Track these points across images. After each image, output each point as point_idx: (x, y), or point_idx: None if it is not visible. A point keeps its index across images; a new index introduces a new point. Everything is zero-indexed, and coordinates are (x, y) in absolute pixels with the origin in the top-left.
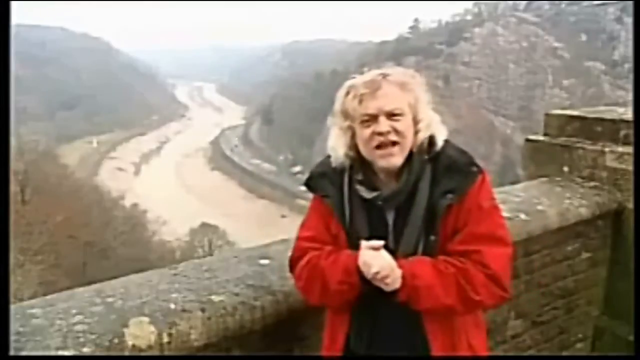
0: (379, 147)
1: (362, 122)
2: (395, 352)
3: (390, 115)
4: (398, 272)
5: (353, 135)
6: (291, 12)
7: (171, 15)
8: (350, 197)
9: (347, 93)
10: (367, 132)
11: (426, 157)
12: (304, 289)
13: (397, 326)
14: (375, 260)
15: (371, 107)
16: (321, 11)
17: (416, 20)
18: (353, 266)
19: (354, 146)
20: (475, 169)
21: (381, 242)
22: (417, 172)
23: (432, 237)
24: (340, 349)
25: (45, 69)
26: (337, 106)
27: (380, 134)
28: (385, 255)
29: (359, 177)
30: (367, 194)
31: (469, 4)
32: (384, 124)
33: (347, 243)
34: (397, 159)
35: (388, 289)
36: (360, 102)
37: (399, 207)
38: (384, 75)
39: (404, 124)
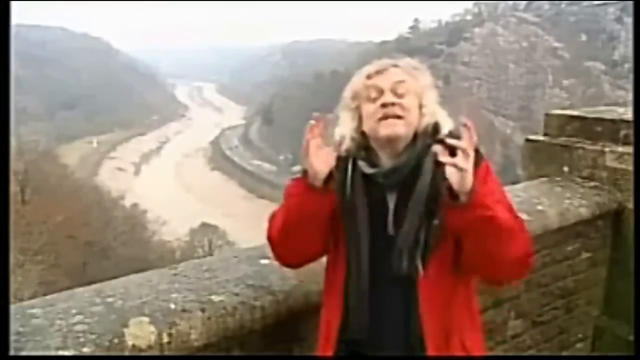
0: (382, 119)
1: (369, 99)
2: (390, 349)
3: (396, 92)
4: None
5: (360, 119)
6: (291, 12)
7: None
8: (353, 179)
9: (357, 76)
10: (373, 105)
11: (430, 141)
12: (270, 224)
13: (392, 314)
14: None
15: (378, 82)
16: (321, 11)
17: (416, 20)
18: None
19: (360, 131)
20: (479, 154)
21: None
22: (420, 152)
23: (435, 222)
24: (333, 347)
25: (45, 69)
26: (347, 91)
27: (384, 105)
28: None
29: (362, 154)
30: (368, 169)
31: (469, 4)
32: (389, 96)
33: (345, 227)
34: (400, 128)
35: (466, 179)
36: (369, 78)
37: (401, 191)
38: (393, 63)
39: (409, 102)
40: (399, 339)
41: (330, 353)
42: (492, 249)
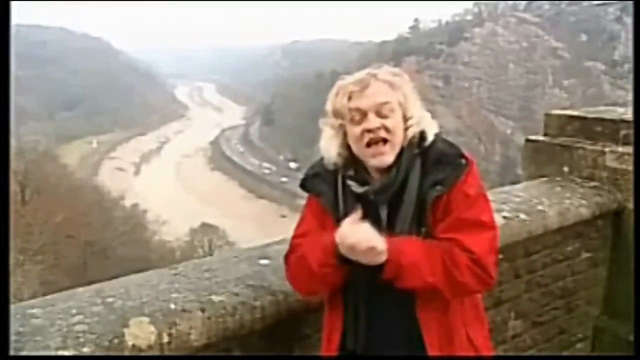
0: (369, 144)
1: (352, 119)
2: (391, 348)
3: (380, 113)
4: (382, 246)
5: (344, 135)
6: (291, 12)
7: (171, 15)
8: (344, 194)
9: (337, 93)
10: (358, 129)
11: (416, 151)
12: (291, 278)
13: (392, 322)
14: (353, 232)
15: (361, 104)
16: (321, 11)
17: (416, 20)
18: (330, 244)
19: (345, 145)
20: (463, 161)
21: (358, 213)
22: (407, 166)
23: (423, 229)
24: (336, 348)
25: (45, 69)
26: (328, 106)
27: (370, 130)
28: (366, 227)
29: (351, 172)
30: (359, 189)
31: (469, 4)
32: (373, 121)
33: None
34: (387, 157)
35: (371, 262)
36: (350, 99)
37: (391, 202)
38: (373, 75)
39: (394, 121)
40: (399, 347)
41: (334, 352)
42: (432, 294)
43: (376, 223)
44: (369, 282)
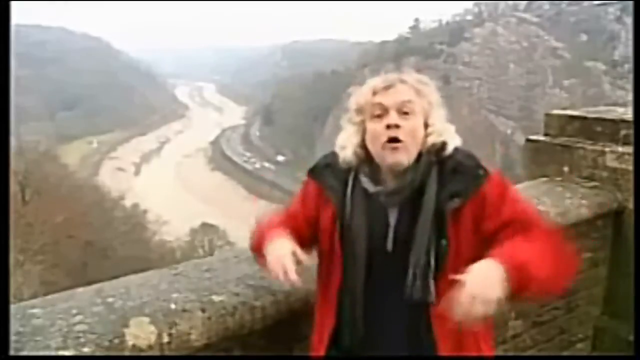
0: (387, 142)
1: (373, 115)
2: (390, 348)
3: (402, 111)
4: (497, 272)
5: (363, 133)
6: (291, 12)
7: (171, 15)
8: (353, 193)
9: (363, 90)
10: (378, 126)
11: (434, 159)
12: (252, 240)
13: (390, 322)
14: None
15: (384, 100)
16: (321, 11)
17: (416, 20)
18: (267, 243)
19: (363, 145)
20: (481, 171)
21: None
22: (423, 172)
23: (443, 241)
24: (325, 349)
25: (45, 69)
26: (352, 103)
27: (389, 126)
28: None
29: (365, 169)
30: (371, 187)
31: (469, 4)
32: (394, 117)
33: (341, 239)
34: (403, 156)
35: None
36: (374, 94)
37: (403, 209)
38: (401, 79)
39: (414, 123)
40: (407, 343)
41: (322, 353)
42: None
43: (383, 228)
44: (367, 291)
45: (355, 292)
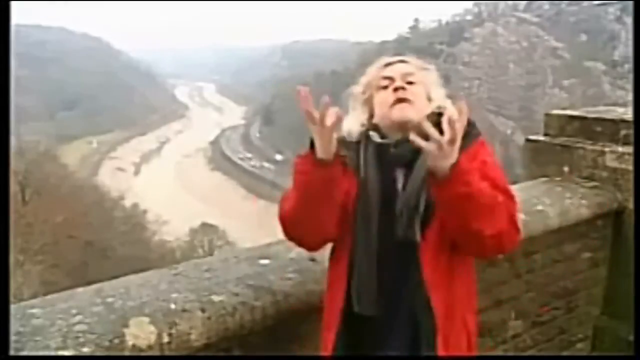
0: (394, 103)
1: (380, 87)
2: (396, 318)
3: (406, 79)
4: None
5: (371, 112)
6: (291, 12)
7: (171, 15)
8: (365, 155)
9: (370, 69)
10: (385, 92)
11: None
12: (281, 205)
13: (399, 284)
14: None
15: (389, 71)
16: (321, 11)
17: (416, 20)
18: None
19: (371, 123)
20: (474, 130)
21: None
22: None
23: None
24: (337, 323)
25: (45, 69)
26: (360, 83)
27: (396, 89)
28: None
29: (374, 132)
30: (380, 140)
31: (469, 4)
32: (400, 82)
33: (356, 201)
34: (410, 111)
35: (446, 156)
36: (379, 68)
37: (408, 169)
38: (403, 59)
39: (419, 90)
40: (405, 308)
41: (334, 329)
42: (471, 225)
43: (393, 189)
44: (379, 242)
45: (370, 250)
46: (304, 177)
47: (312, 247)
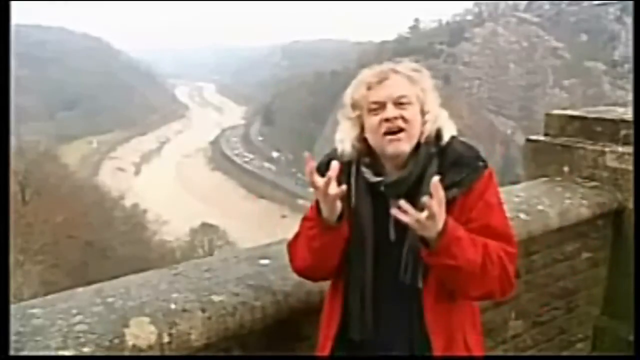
0: (386, 134)
1: (370, 110)
2: (395, 342)
3: (398, 104)
4: (443, 214)
5: (362, 127)
6: (291, 12)
7: (171, 15)
8: (357, 184)
9: (356, 85)
10: (375, 119)
11: (433, 150)
12: (291, 256)
13: (396, 326)
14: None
15: (379, 95)
16: (321, 11)
17: (416, 20)
18: (316, 204)
19: (362, 138)
20: (481, 163)
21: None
22: (423, 163)
23: None
24: (331, 347)
25: (45, 69)
26: (347, 98)
27: (387, 120)
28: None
29: (366, 160)
30: (372, 178)
31: (469, 4)
32: (391, 111)
33: (350, 231)
34: (404, 144)
35: (428, 229)
36: (369, 89)
37: (404, 197)
38: (393, 69)
39: (412, 112)
40: (404, 341)
41: (327, 351)
42: (459, 288)
43: (386, 218)
44: (374, 279)
45: (365, 280)
46: (313, 243)
47: (322, 280)
